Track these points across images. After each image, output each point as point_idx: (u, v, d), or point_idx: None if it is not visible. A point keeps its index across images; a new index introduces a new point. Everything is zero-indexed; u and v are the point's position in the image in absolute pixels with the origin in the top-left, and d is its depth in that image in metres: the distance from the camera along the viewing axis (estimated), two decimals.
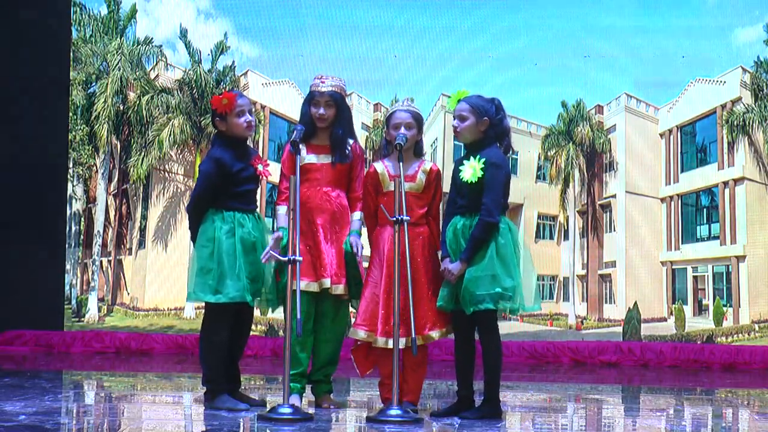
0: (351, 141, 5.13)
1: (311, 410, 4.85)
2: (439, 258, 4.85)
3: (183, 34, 10.16)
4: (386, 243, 4.86)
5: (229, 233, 4.86)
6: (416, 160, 4.98)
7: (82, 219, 10.30)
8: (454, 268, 4.63)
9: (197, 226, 4.96)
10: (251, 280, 4.87)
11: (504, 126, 4.81)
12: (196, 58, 10.14)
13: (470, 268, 4.61)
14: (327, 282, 4.94)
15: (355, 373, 5.01)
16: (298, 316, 4.45)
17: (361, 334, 4.87)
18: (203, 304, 4.99)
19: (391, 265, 4.77)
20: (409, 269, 4.56)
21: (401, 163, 4.74)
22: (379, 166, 4.98)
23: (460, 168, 4.71)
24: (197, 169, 5.13)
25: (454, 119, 4.79)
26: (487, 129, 4.75)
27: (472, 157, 4.70)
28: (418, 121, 4.95)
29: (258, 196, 5.21)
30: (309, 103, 5.08)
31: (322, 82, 5.07)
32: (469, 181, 4.65)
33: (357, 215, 5.08)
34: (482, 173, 4.63)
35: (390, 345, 4.75)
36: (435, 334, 4.81)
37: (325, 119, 5.05)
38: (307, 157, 5.04)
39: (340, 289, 4.98)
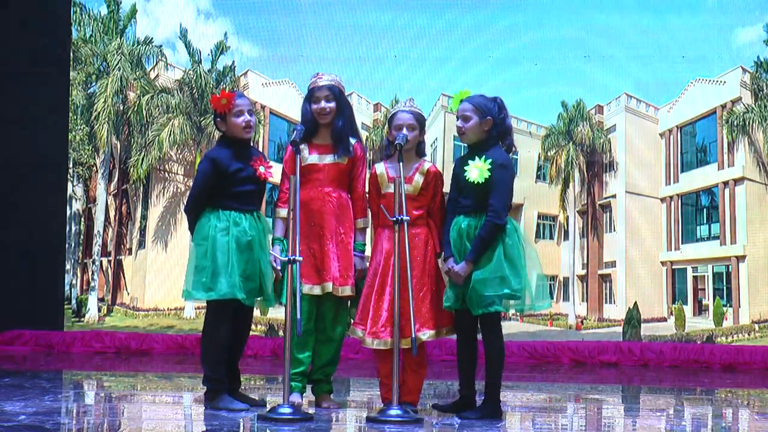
0: (353, 141, 5.12)
1: (311, 410, 4.85)
2: (441, 258, 4.85)
3: (183, 34, 10.16)
4: (384, 243, 4.86)
5: (224, 231, 4.86)
6: (416, 162, 4.97)
7: (82, 219, 10.30)
8: (460, 269, 4.62)
9: (195, 226, 4.97)
10: (245, 278, 4.86)
11: (506, 125, 4.81)
12: (196, 58, 10.14)
13: (478, 270, 4.60)
14: (329, 286, 4.94)
15: (355, 373, 5.02)
16: (298, 316, 4.45)
17: (359, 332, 4.89)
18: (204, 303, 5.00)
19: (386, 266, 4.78)
20: (407, 270, 4.56)
21: (401, 164, 4.73)
22: (380, 168, 4.98)
23: (465, 168, 4.70)
24: (197, 167, 5.12)
25: (458, 119, 4.78)
26: (490, 129, 4.75)
27: (477, 158, 4.69)
28: (420, 121, 4.95)
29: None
30: (309, 101, 5.07)
31: (320, 78, 5.08)
32: (475, 182, 4.64)
33: (360, 223, 5.07)
34: (489, 174, 4.63)
35: (375, 345, 4.78)
36: (423, 335, 4.79)
37: (327, 113, 5.04)
38: (309, 158, 5.04)
39: (347, 290, 4.98)
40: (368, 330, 4.80)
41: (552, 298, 9.86)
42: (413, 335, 4.58)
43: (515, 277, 4.60)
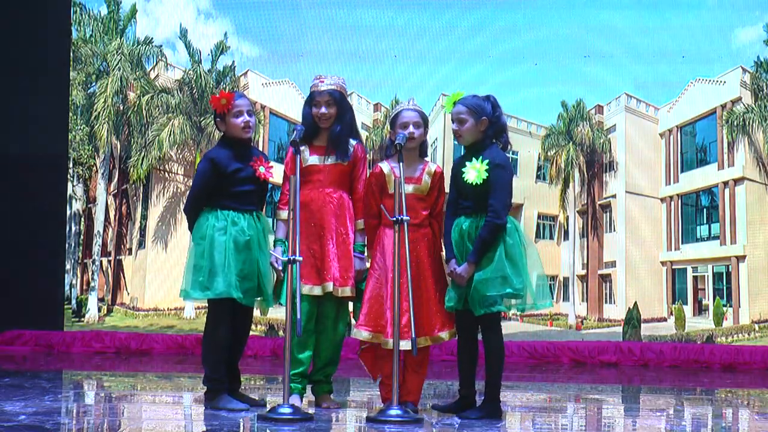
0: (354, 142, 5.13)
1: (311, 410, 4.85)
2: (443, 260, 4.85)
3: (183, 34, 10.16)
4: (391, 243, 4.84)
5: (222, 231, 4.87)
6: (421, 162, 4.98)
7: (82, 219, 10.30)
8: (462, 270, 4.62)
9: (194, 225, 4.98)
10: (242, 277, 4.86)
11: (501, 123, 4.81)
12: (196, 58, 10.14)
13: (479, 270, 4.60)
14: (330, 286, 4.94)
15: (355, 373, 5.02)
16: (298, 316, 4.45)
17: (365, 334, 4.85)
18: (204, 303, 5.00)
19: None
20: (416, 270, 4.57)
21: (401, 163, 4.73)
22: (385, 167, 4.97)
23: (463, 170, 4.71)
24: (197, 167, 5.12)
25: (453, 123, 4.78)
26: (486, 128, 4.76)
27: (474, 159, 4.69)
28: (424, 120, 4.97)
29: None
30: (309, 105, 5.08)
31: (321, 82, 5.08)
32: (473, 183, 4.65)
33: (360, 224, 5.06)
34: (487, 174, 4.63)
35: (402, 346, 4.73)
36: (444, 334, 4.81)
37: (327, 118, 5.05)
38: (310, 159, 5.05)
39: (347, 291, 4.97)
40: (389, 332, 4.77)
41: (552, 297, 9.86)
42: (413, 336, 4.58)
43: (517, 277, 4.60)
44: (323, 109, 5.04)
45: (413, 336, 4.57)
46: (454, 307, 4.72)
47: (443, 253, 4.87)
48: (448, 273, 4.73)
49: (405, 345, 4.70)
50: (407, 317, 4.66)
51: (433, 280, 4.83)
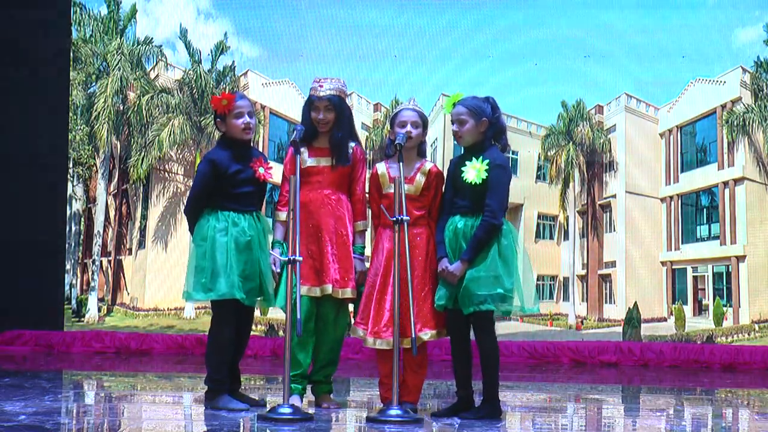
0: (353, 144, 5.13)
1: (311, 410, 4.85)
2: (436, 258, 4.84)
3: (183, 34, 10.16)
4: (385, 243, 4.86)
5: (223, 232, 4.87)
6: (418, 162, 4.97)
7: (82, 219, 10.30)
8: (455, 268, 4.62)
9: (194, 227, 4.98)
10: (244, 278, 4.87)
11: (501, 124, 4.82)
12: (196, 58, 10.14)
13: (472, 269, 4.60)
14: (329, 288, 4.94)
15: (355, 373, 5.02)
16: (298, 316, 4.45)
17: (360, 332, 4.89)
18: (204, 303, 5.01)
19: (387, 266, 4.78)
20: (407, 269, 4.56)
21: (401, 163, 4.74)
22: (381, 167, 4.98)
23: (462, 169, 4.71)
24: (197, 169, 5.12)
25: (453, 123, 4.78)
26: (486, 130, 4.76)
27: (474, 158, 4.69)
28: (423, 120, 4.97)
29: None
30: (309, 108, 5.08)
31: (321, 86, 5.05)
32: (472, 183, 4.65)
33: (360, 226, 5.07)
34: (486, 174, 4.64)
35: (378, 345, 4.78)
36: (425, 335, 4.80)
37: (326, 123, 5.05)
38: (309, 161, 5.05)
39: (348, 292, 4.98)
40: (370, 330, 4.81)
41: (552, 299, 9.87)
42: (413, 335, 4.58)
43: (508, 277, 4.60)
44: (322, 115, 5.04)
45: (413, 335, 4.58)
46: (444, 305, 4.72)
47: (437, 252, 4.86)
48: (439, 271, 4.73)
49: (381, 344, 4.75)
50: (388, 317, 4.70)
51: (421, 280, 4.82)
